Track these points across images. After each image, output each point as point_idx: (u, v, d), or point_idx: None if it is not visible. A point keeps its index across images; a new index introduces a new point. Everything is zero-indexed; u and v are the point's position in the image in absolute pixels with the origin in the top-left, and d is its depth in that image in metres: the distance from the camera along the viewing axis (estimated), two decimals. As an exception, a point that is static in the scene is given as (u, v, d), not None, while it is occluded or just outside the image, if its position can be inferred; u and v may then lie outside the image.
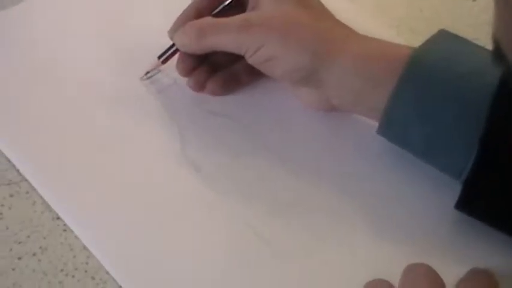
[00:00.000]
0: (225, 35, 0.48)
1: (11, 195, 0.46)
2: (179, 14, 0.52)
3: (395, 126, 0.45)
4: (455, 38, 0.46)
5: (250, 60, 0.48)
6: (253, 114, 0.52)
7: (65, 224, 0.44)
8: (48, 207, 0.45)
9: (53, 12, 0.58)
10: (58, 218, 0.45)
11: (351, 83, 0.46)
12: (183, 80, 0.52)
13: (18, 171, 0.47)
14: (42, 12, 0.58)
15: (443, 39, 0.45)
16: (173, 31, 0.51)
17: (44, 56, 0.54)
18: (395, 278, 0.38)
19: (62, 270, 0.42)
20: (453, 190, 0.44)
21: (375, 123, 0.47)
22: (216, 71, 0.52)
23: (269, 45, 0.46)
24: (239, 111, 0.52)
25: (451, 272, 0.39)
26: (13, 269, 0.42)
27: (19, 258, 0.43)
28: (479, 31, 0.56)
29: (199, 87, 0.52)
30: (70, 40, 0.56)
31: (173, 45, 0.52)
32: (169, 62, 0.52)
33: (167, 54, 0.52)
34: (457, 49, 0.45)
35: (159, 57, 0.52)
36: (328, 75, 0.46)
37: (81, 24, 0.57)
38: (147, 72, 0.53)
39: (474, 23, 0.62)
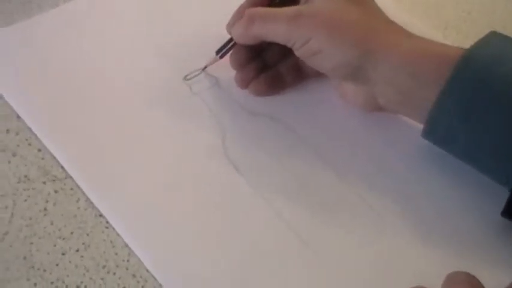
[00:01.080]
0: (274, 25, 0.48)
1: (56, 192, 0.47)
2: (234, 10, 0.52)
3: (441, 129, 0.44)
4: (507, 39, 0.45)
5: (298, 53, 0.48)
6: (295, 115, 0.52)
7: (107, 222, 0.45)
8: (91, 204, 0.46)
9: (101, 11, 0.59)
10: (101, 215, 0.45)
11: (398, 81, 0.45)
12: (225, 81, 0.53)
13: (63, 167, 0.48)
14: (90, 10, 0.59)
15: (494, 40, 0.45)
16: (231, 25, 0.51)
17: (90, 55, 0.55)
18: (436, 286, 0.37)
19: (104, 267, 0.43)
20: (499, 196, 0.43)
21: (418, 126, 0.46)
22: (263, 71, 0.53)
23: (317, 39, 0.46)
24: (281, 111, 0.52)
25: (495, 280, 0.38)
26: (57, 265, 0.43)
27: (63, 254, 0.43)
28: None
29: (245, 84, 0.52)
30: (117, 39, 0.56)
31: (230, 40, 0.52)
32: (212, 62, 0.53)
33: (225, 49, 0.52)
34: (508, 51, 0.44)
35: (217, 52, 0.53)
36: (376, 72, 0.46)
37: (128, 23, 0.58)
38: (186, 75, 0.53)
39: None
